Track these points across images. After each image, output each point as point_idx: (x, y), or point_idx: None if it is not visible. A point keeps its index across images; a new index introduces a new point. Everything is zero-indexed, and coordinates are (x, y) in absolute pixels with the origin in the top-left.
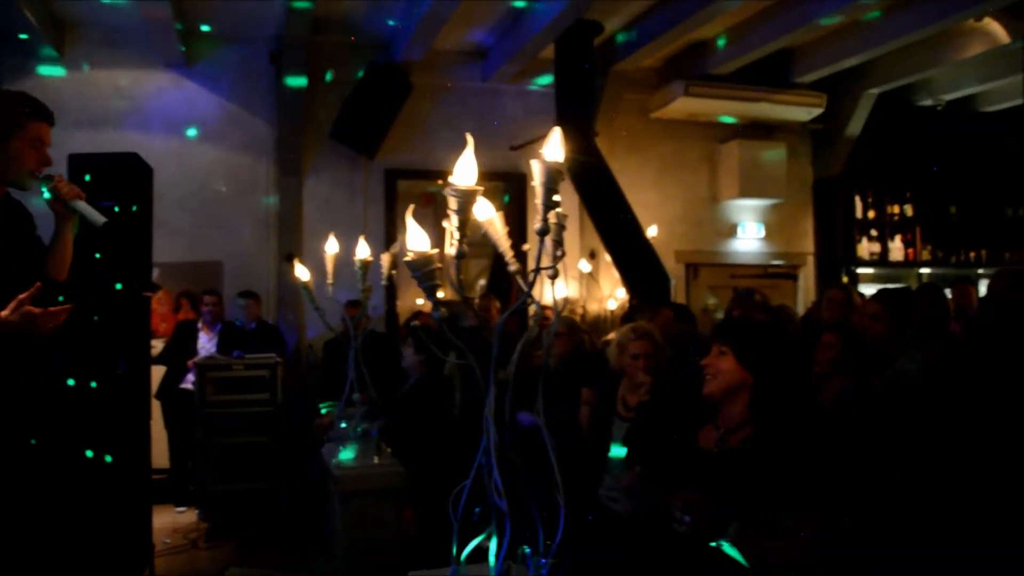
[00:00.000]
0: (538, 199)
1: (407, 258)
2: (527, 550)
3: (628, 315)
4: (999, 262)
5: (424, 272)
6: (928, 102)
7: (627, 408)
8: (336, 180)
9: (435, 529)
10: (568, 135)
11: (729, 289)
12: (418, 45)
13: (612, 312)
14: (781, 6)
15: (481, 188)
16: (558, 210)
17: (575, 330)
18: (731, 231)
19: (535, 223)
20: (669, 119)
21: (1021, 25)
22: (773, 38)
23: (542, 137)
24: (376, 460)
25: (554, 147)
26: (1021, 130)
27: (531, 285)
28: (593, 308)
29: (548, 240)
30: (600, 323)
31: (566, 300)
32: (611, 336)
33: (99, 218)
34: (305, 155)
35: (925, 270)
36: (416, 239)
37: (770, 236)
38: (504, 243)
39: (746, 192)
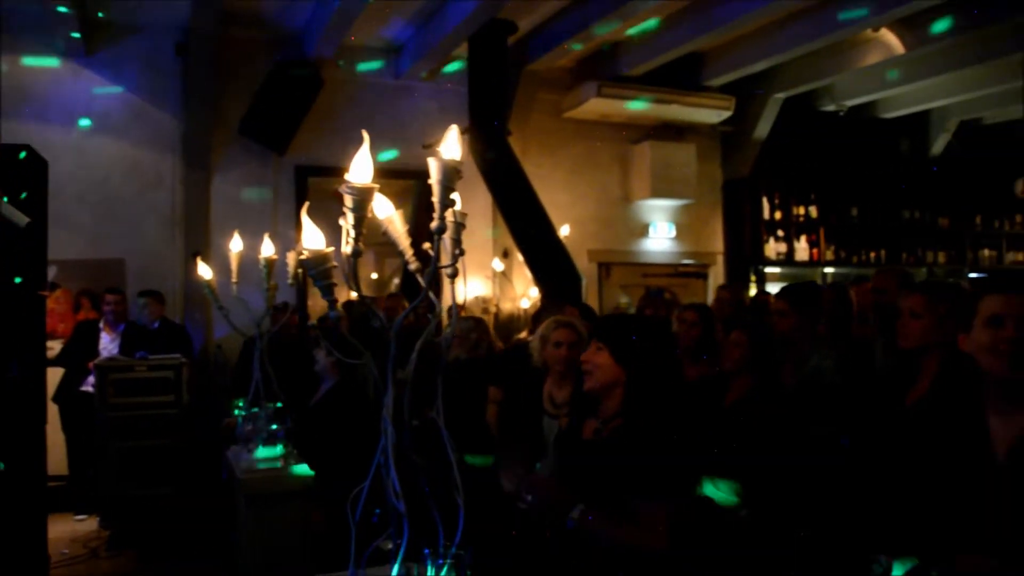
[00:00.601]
0: (435, 197)
1: (302, 256)
2: (426, 551)
3: (537, 314)
4: (897, 262)
5: (319, 271)
6: (831, 108)
7: (555, 405)
8: (245, 176)
9: (346, 532)
10: (481, 134)
11: (641, 288)
12: (330, 40)
13: (525, 311)
14: (691, 10)
15: (377, 186)
16: (456, 208)
17: (482, 329)
18: (643, 231)
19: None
20: (582, 119)
21: (914, 37)
22: (683, 41)
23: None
24: (282, 463)
25: (451, 145)
26: (917, 136)
27: (429, 284)
28: (507, 307)
29: (446, 238)
30: (513, 322)
31: (479, 299)
32: (523, 335)
33: (22, 218)
34: (213, 150)
35: (829, 269)
36: (312, 237)
37: (681, 236)
38: (404, 241)
39: (657, 192)
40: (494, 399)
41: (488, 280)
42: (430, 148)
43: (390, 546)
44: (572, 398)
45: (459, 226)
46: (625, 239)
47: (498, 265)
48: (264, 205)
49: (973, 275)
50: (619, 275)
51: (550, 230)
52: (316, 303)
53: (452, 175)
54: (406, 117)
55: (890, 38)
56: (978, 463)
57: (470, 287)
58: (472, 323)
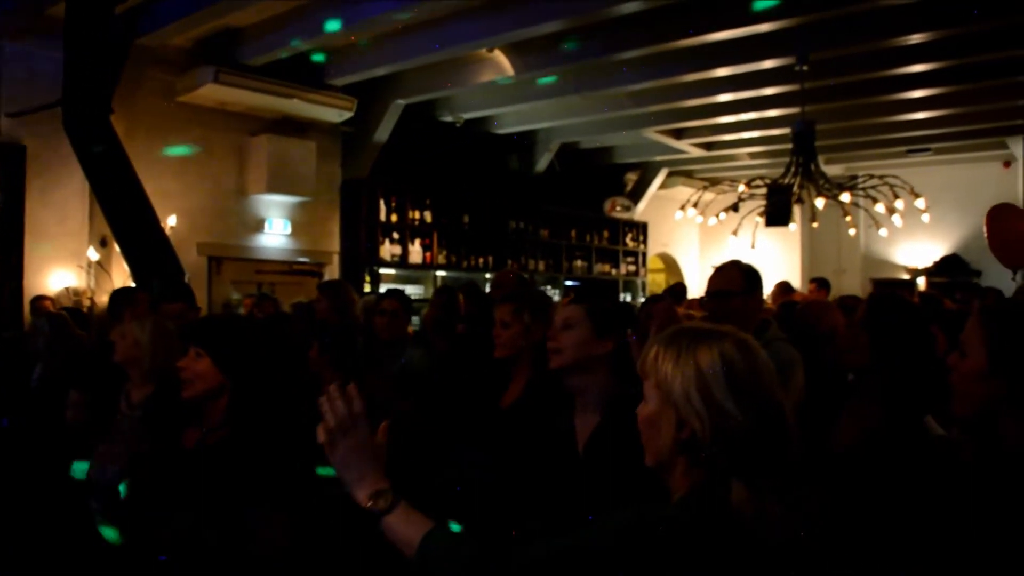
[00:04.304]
0: None
1: None
2: None
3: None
4: (502, 268)
5: None
6: (449, 118)
7: (130, 405)
8: None
9: None
10: (76, 109)
11: (254, 285)
12: None
13: None
14: (316, 6)
15: None
16: None
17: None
18: (258, 226)
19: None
20: (197, 105)
21: (523, 62)
22: (308, 36)
23: (47, 106)
24: None
25: None
26: (525, 154)
27: None
28: (103, 300)
29: None
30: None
31: (70, 290)
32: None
33: None
34: None
35: (441, 272)
36: None
37: (297, 233)
38: None
39: (274, 188)
40: (74, 403)
41: (82, 270)
42: (17, 118)
43: None
44: (151, 403)
45: None
46: (239, 233)
47: (93, 254)
48: None
49: (569, 282)
50: (231, 270)
51: (153, 219)
52: None
53: None
54: None
55: (502, 59)
56: (565, 456)
57: (60, 277)
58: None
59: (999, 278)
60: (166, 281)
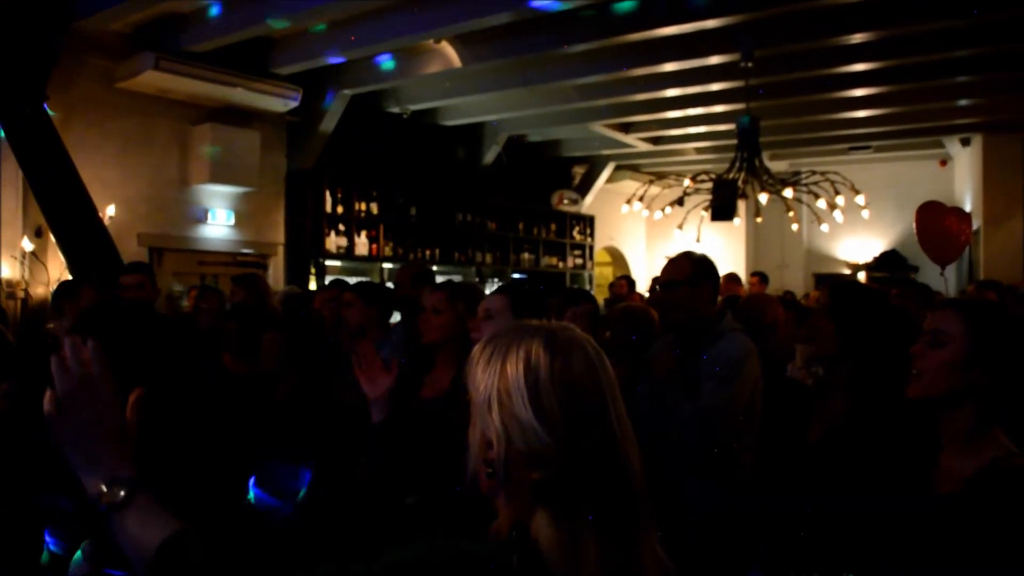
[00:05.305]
0: None
1: None
2: None
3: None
4: (450, 260)
5: None
6: (396, 110)
7: None
8: None
9: None
10: (8, 95)
11: (197, 276)
12: None
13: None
14: None
15: None
16: None
17: None
18: (201, 216)
19: None
20: (138, 92)
21: (470, 53)
22: (252, 24)
23: None
24: None
25: None
26: (472, 146)
27: None
28: (39, 292)
29: None
30: (48, 309)
31: (2, 281)
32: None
33: None
34: None
35: (387, 265)
36: None
37: (241, 224)
38: None
39: (217, 178)
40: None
41: (16, 261)
42: None
43: None
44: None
45: None
46: (181, 224)
47: (28, 244)
48: None
49: (516, 275)
50: (173, 262)
51: (90, 209)
52: None
53: None
54: None
55: (449, 51)
56: None
57: None
58: None
59: (936, 273)
60: (104, 273)
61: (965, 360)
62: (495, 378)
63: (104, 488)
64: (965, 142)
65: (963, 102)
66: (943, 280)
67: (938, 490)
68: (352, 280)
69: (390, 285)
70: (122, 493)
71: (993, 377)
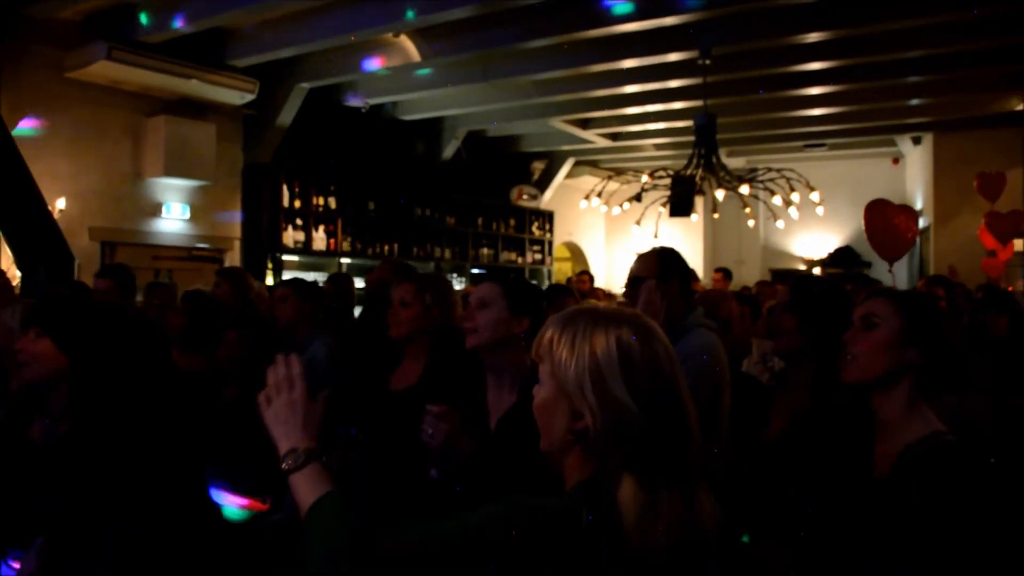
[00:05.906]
0: None
1: None
2: None
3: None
4: (408, 255)
5: None
6: (355, 103)
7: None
8: None
9: None
10: None
11: (151, 271)
12: None
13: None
14: None
15: None
16: None
17: None
18: (155, 210)
19: None
20: (89, 82)
21: (429, 48)
22: (207, 14)
23: None
24: None
25: None
26: (431, 141)
27: None
28: None
29: None
30: None
31: None
32: None
33: None
34: None
35: (345, 260)
36: None
37: (196, 218)
38: None
39: (172, 171)
40: None
41: None
42: None
43: None
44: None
45: None
46: (134, 218)
47: None
48: None
49: (475, 270)
50: (125, 256)
51: (39, 202)
52: None
53: None
54: None
55: (408, 45)
56: (476, 429)
57: None
58: None
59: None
60: (53, 267)
61: (899, 339)
62: (585, 359)
63: (286, 456)
64: (916, 141)
65: (914, 101)
66: (891, 276)
67: (875, 471)
68: (310, 277)
69: (359, 282)
70: (293, 460)
71: (928, 354)
